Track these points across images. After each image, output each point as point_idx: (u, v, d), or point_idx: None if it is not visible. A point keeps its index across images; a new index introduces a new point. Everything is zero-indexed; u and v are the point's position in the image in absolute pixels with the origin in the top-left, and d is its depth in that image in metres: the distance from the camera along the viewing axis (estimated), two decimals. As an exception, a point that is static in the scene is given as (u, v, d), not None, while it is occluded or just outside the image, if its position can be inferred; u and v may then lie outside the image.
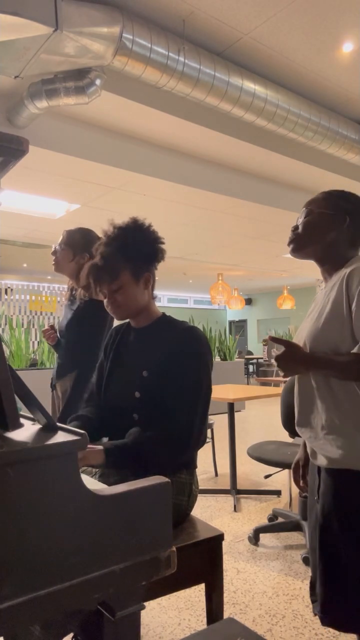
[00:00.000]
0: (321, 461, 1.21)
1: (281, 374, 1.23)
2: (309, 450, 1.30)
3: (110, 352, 1.57)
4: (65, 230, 2.23)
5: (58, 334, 2.31)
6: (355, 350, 1.12)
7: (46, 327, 2.36)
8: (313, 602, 1.25)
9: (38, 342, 6.84)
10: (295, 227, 1.35)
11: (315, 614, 1.22)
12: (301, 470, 1.44)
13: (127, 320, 1.57)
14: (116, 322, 1.79)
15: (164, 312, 1.54)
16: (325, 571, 1.19)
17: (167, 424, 1.33)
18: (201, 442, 1.42)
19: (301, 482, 1.43)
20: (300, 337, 1.30)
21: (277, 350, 1.36)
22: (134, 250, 1.42)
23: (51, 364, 5.74)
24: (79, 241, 2.16)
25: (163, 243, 1.49)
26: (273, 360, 1.23)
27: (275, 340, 1.22)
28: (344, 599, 1.15)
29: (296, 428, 1.32)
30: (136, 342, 1.51)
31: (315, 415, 1.24)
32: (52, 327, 2.32)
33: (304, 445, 1.45)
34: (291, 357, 1.20)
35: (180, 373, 1.37)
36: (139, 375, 1.42)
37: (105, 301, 1.46)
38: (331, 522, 1.17)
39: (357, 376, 1.14)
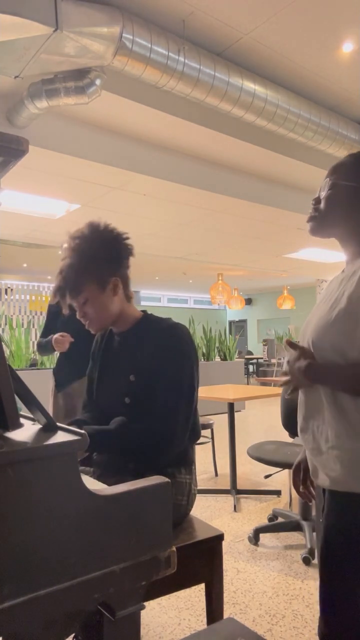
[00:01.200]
0: (323, 481, 1.06)
1: (288, 392, 1.11)
2: (310, 467, 1.13)
3: (98, 358, 1.55)
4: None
5: (69, 333, 2.30)
6: None
7: (58, 336, 2.32)
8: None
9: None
10: (317, 201, 1.15)
11: None
12: (302, 473, 1.26)
13: None
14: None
15: (145, 310, 1.51)
16: (326, 602, 1.07)
17: (151, 419, 1.33)
18: (192, 436, 1.41)
19: (301, 487, 1.26)
20: (307, 329, 1.14)
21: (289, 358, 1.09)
22: (92, 258, 1.36)
23: (51, 364, 5.73)
24: None
25: (126, 239, 1.42)
26: (285, 366, 1.10)
27: (292, 345, 1.09)
28: (345, 631, 1.04)
29: (299, 434, 1.17)
30: (120, 347, 1.48)
31: (320, 424, 1.07)
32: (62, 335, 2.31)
33: None
34: (299, 364, 1.06)
35: (163, 371, 1.35)
36: (127, 380, 1.40)
37: (77, 315, 1.42)
38: (334, 548, 1.04)
39: None
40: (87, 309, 1.38)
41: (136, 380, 1.39)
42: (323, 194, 1.14)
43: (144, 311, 1.51)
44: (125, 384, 1.41)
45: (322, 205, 1.13)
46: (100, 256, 1.37)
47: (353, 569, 1.02)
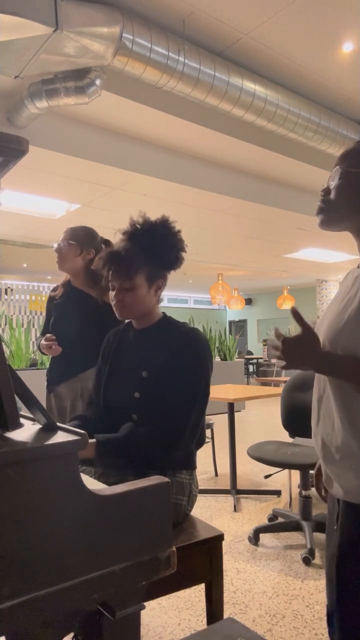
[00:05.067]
0: (337, 491, 1.03)
1: (280, 364, 0.97)
2: (323, 474, 1.09)
3: (109, 355, 1.56)
4: (68, 227, 2.22)
5: (53, 331, 2.28)
6: None
7: (48, 339, 2.17)
8: (330, 633, 1.12)
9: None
10: (326, 191, 1.06)
11: None
12: (324, 477, 1.20)
13: (125, 322, 1.57)
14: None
15: (164, 312, 1.54)
16: (343, 609, 1.05)
17: (161, 421, 1.34)
18: (198, 441, 1.43)
19: (323, 491, 1.22)
20: (319, 329, 1.07)
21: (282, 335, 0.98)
22: (156, 254, 1.41)
23: (51, 364, 5.72)
24: (84, 237, 2.17)
25: (185, 251, 1.47)
26: (270, 342, 0.98)
27: (297, 317, 0.97)
28: None
29: (313, 439, 1.12)
30: (136, 343, 1.51)
31: (331, 431, 1.02)
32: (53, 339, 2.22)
33: None
34: (301, 346, 0.95)
35: (179, 374, 1.37)
36: (139, 375, 1.42)
37: (111, 294, 1.44)
38: (349, 558, 1.02)
39: None
40: (127, 296, 1.41)
41: (148, 376, 1.41)
42: (333, 184, 1.04)
43: (163, 312, 1.53)
44: (136, 379, 1.42)
45: (332, 195, 1.04)
46: (161, 254, 1.42)
47: None
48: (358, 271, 1.04)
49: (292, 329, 12.71)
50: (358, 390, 0.94)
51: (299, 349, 0.95)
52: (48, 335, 2.19)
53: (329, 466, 1.04)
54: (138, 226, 1.42)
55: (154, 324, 1.49)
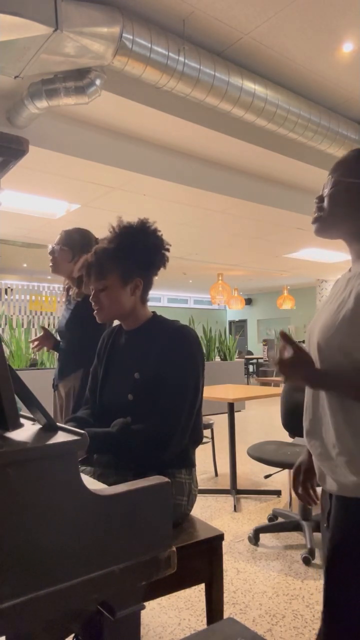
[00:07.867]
0: (331, 486, 1.03)
1: (280, 377, 1.04)
2: (317, 471, 1.10)
3: (104, 356, 1.57)
4: (63, 230, 2.22)
5: (58, 336, 2.30)
6: None
7: (35, 338, 2.34)
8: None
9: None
10: (320, 199, 1.11)
11: None
12: (302, 475, 1.24)
13: (118, 324, 1.57)
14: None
15: (154, 311, 1.53)
16: (329, 608, 1.04)
17: (153, 419, 1.34)
18: (194, 439, 1.42)
19: (300, 488, 1.24)
20: (313, 330, 1.10)
21: (277, 351, 1.07)
22: (129, 253, 1.40)
23: (51, 364, 5.74)
24: (78, 241, 2.15)
25: (167, 250, 1.46)
26: (270, 359, 1.05)
27: (286, 339, 1.03)
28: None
29: (305, 438, 1.14)
30: (127, 345, 1.51)
31: (325, 428, 1.05)
32: (44, 332, 2.31)
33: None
34: (295, 368, 1.01)
35: (169, 372, 1.36)
36: (131, 377, 1.42)
37: (90, 297, 1.46)
38: (340, 555, 1.01)
39: None
40: (103, 297, 1.41)
41: (140, 378, 1.40)
42: (326, 192, 1.09)
43: (153, 312, 1.53)
44: (129, 381, 1.42)
45: (325, 203, 1.09)
46: (135, 254, 1.41)
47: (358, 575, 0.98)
48: (349, 274, 1.08)
49: (293, 329, 12.72)
50: (354, 399, 0.98)
51: (293, 369, 1.00)
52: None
53: (323, 463, 1.05)
54: (114, 229, 1.43)
55: (143, 324, 1.48)
